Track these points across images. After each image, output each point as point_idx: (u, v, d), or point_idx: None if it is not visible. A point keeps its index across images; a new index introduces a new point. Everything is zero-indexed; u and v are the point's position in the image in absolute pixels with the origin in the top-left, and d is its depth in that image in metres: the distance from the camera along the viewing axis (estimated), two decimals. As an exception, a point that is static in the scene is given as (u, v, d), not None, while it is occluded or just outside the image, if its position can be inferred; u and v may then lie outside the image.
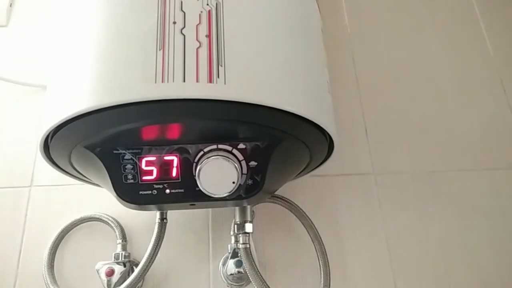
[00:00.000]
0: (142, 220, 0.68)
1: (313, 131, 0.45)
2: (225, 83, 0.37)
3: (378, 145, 0.76)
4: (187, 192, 0.46)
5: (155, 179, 0.45)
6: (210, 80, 0.37)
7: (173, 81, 0.37)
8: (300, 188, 0.71)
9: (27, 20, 0.87)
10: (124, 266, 0.61)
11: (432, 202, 0.72)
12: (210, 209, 0.70)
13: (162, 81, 0.37)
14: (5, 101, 0.78)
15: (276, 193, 0.66)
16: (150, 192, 0.45)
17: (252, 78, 0.39)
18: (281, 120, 0.42)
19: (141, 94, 0.37)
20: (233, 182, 0.44)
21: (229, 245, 0.65)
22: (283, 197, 0.66)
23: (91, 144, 0.43)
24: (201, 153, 0.44)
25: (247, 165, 0.45)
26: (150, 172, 0.44)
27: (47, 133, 0.44)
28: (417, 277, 0.67)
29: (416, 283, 0.67)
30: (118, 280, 0.60)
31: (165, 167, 0.44)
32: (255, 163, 0.45)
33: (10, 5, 0.87)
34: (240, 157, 0.44)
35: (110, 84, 0.38)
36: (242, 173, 0.45)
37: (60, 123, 0.41)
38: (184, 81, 0.37)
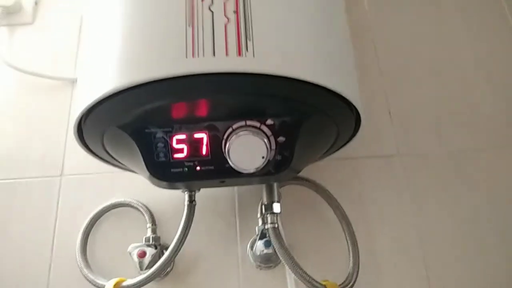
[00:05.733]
0: (171, 206, 0.70)
1: (340, 105, 0.46)
2: (254, 56, 0.38)
3: (402, 126, 0.76)
4: (217, 169, 0.47)
5: (186, 156, 0.46)
6: (240, 54, 0.38)
7: (203, 55, 0.38)
8: (324, 172, 0.72)
9: (51, 17, 0.89)
10: (155, 248, 0.63)
11: (460, 182, 0.72)
12: (236, 194, 0.71)
13: (193, 56, 0.38)
14: (33, 95, 0.80)
15: (301, 175, 0.67)
16: (181, 169, 0.46)
17: (280, 51, 0.40)
18: (308, 94, 0.42)
19: (172, 69, 0.38)
20: (263, 157, 0.44)
21: (256, 227, 0.66)
22: (308, 178, 0.67)
23: (124, 124, 0.44)
24: (230, 129, 0.45)
25: (276, 141, 0.45)
26: (181, 150, 0.46)
27: (81, 116, 0.45)
28: (448, 257, 0.66)
29: (447, 262, 0.66)
30: (150, 262, 0.62)
31: (195, 144, 0.45)
32: (283, 139, 0.45)
33: (36, 4, 0.90)
34: (269, 132, 0.45)
35: (140, 62, 0.40)
36: (271, 149, 0.45)
37: (92, 104, 0.42)
38: (214, 55, 0.38)
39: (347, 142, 0.55)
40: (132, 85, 0.39)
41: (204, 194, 0.68)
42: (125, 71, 0.40)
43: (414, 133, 0.76)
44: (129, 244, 0.65)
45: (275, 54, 0.39)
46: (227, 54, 0.38)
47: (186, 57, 0.38)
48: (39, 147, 0.76)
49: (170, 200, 0.70)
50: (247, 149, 0.44)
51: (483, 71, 0.81)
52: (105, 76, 0.41)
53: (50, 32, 0.87)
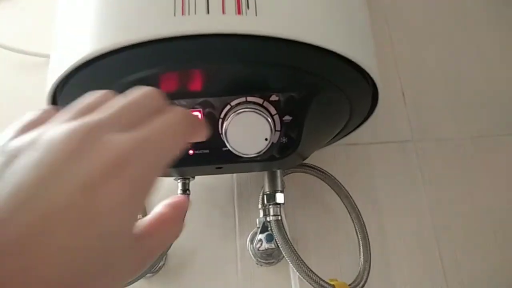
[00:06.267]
0: (164, 196, 0.63)
1: (356, 78, 0.39)
2: (256, 15, 0.31)
3: (417, 109, 0.69)
4: (213, 153, 0.40)
5: (177, 138, 0.39)
6: (239, 12, 0.31)
7: (195, 13, 0.31)
8: (332, 159, 0.66)
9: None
10: (145, 242, 0.57)
11: (479, 169, 0.66)
12: (235, 181, 0.65)
13: (182, 14, 0.31)
14: (15, 73, 0.74)
15: (307, 162, 0.61)
16: (171, 153, 0.40)
17: (288, 10, 0.33)
18: (320, 63, 0.36)
19: (156, 30, 0.31)
20: (266, 139, 0.38)
21: (257, 219, 0.60)
22: (315, 166, 0.60)
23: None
24: (228, 107, 0.38)
25: (281, 120, 0.39)
26: (170, 131, 0.39)
27: (52, 91, 0.38)
28: (466, 250, 0.61)
29: (464, 256, 0.60)
30: (138, 258, 0.55)
31: (187, 124, 0.39)
32: (290, 118, 0.39)
33: (18, -25, 0.83)
34: (273, 111, 0.39)
35: (116, 24, 0.33)
36: (275, 130, 0.39)
37: (62, 76, 0.35)
38: (208, 13, 0.31)
39: (361, 123, 0.49)
40: (105, 52, 0.32)
41: (199, 182, 0.62)
42: (99, 35, 0.33)
43: (430, 117, 0.69)
44: (117, 237, 0.59)
45: (282, 12, 0.32)
46: (223, 12, 0.31)
47: (174, 15, 0.31)
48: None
49: (163, 189, 0.63)
50: (248, 130, 0.38)
51: (505, 52, 0.74)
52: (76, 44, 0.35)
53: (32, 6, 0.80)
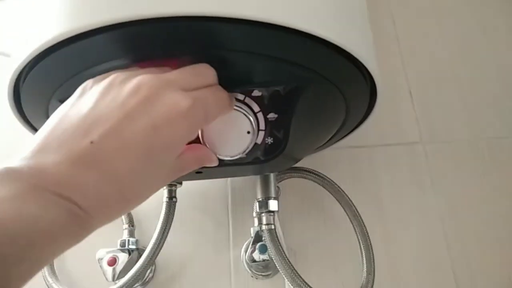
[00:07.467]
0: (153, 203, 0.59)
1: (351, 70, 0.34)
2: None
3: (425, 109, 0.65)
4: (191, 156, 0.36)
5: (150, 140, 0.35)
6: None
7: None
8: (333, 163, 0.61)
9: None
10: (130, 253, 0.53)
11: (495, 173, 0.61)
12: (229, 187, 0.61)
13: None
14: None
15: (306, 167, 0.56)
16: (143, 156, 0.36)
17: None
18: (308, 52, 0.31)
19: (110, 14, 0.26)
20: (248, 133, 0.34)
21: (251, 229, 0.56)
22: (314, 170, 0.56)
23: (65, 97, 0.34)
24: (205, 104, 0.34)
25: (265, 119, 0.35)
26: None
27: (11, 89, 0.35)
28: (481, 262, 0.55)
29: (479, 268, 0.55)
30: (122, 269, 0.52)
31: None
32: (275, 116, 0.35)
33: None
34: (256, 108, 0.34)
35: (69, 8, 0.29)
36: (258, 129, 0.35)
37: (21, 68, 0.32)
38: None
39: (360, 122, 0.44)
40: (60, 40, 0.28)
41: (190, 187, 0.58)
42: (50, 25, 0.29)
43: (440, 116, 0.64)
44: (104, 248, 0.55)
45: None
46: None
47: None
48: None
49: (153, 196, 0.60)
50: (228, 129, 0.34)
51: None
52: (29, 37, 0.31)
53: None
